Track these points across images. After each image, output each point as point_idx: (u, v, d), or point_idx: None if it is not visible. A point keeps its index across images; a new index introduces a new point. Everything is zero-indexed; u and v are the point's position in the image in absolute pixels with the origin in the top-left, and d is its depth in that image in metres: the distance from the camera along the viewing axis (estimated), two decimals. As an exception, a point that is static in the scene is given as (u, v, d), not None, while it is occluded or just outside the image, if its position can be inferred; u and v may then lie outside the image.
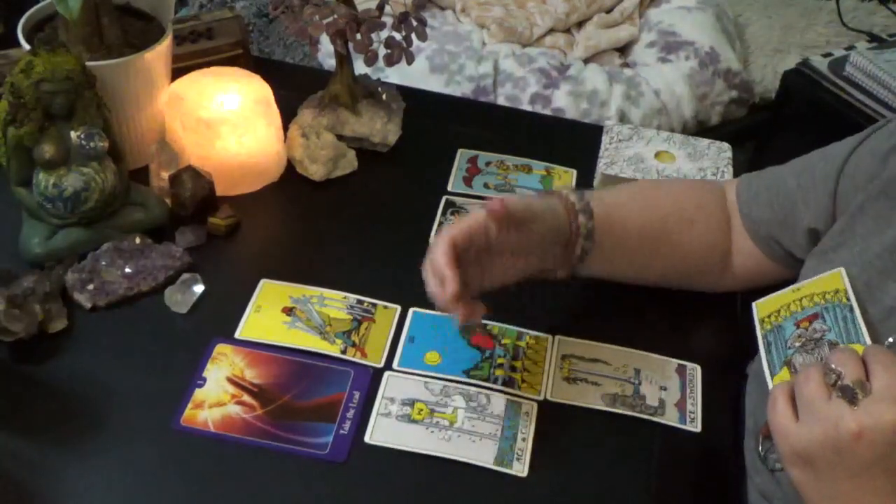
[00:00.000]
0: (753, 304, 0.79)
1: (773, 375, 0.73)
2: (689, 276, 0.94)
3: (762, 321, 0.77)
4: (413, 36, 1.04)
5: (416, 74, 1.70)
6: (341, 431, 0.83)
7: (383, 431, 0.83)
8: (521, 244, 0.82)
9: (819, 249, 0.81)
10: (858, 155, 0.81)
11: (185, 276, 0.94)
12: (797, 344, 0.72)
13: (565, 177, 1.13)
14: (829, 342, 0.70)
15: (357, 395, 0.86)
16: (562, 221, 0.84)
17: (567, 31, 1.99)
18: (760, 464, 0.79)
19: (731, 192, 0.94)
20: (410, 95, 1.19)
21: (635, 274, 0.93)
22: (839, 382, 0.63)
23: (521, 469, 0.81)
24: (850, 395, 0.61)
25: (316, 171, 1.08)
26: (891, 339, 0.69)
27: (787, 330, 0.74)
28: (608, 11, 1.99)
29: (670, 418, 0.86)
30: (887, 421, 0.60)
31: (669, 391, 0.88)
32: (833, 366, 0.64)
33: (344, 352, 0.89)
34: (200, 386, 0.86)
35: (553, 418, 0.85)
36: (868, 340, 0.68)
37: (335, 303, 0.94)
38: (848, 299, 0.71)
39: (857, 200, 0.77)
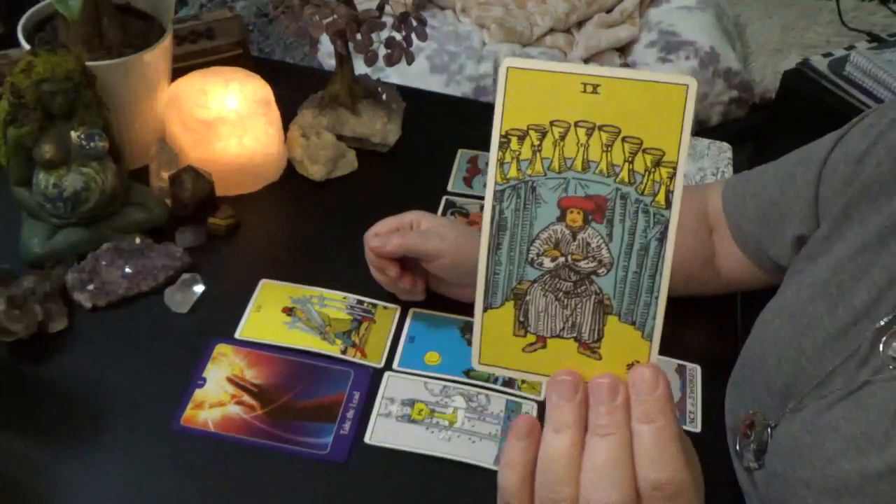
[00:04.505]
0: None
1: None
2: (673, 285, 0.93)
3: None
4: (413, 36, 1.04)
5: (416, 74, 1.70)
6: (341, 431, 0.83)
7: (383, 432, 0.83)
8: (466, 278, 0.88)
9: (805, 254, 0.79)
10: (834, 159, 0.79)
11: (185, 276, 0.94)
12: None
13: (565, 177, 1.12)
14: None
15: (357, 395, 0.86)
16: None
17: (567, 30, 1.99)
18: (736, 461, 0.79)
19: (716, 196, 0.92)
20: (410, 95, 1.19)
21: None
22: None
23: (521, 469, 0.81)
24: None
25: (316, 171, 1.08)
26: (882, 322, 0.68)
27: None
28: (608, 11, 1.99)
29: (670, 418, 0.86)
30: None
31: (669, 391, 0.88)
32: None
33: (344, 352, 0.89)
34: (200, 386, 0.86)
35: (553, 418, 0.85)
36: None
37: (335, 303, 0.94)
38: None
39: (839, 205, 0.76)
